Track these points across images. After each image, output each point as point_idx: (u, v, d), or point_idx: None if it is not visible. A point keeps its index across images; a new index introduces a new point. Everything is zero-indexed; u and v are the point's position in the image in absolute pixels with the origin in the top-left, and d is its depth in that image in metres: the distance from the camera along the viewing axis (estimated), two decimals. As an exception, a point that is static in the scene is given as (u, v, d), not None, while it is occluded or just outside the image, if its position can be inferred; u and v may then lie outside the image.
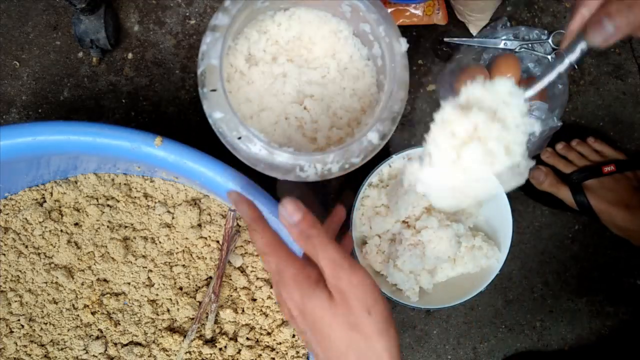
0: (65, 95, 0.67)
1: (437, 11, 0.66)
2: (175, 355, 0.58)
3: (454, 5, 0.67)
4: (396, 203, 0.61)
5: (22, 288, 0.58)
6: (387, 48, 0.54)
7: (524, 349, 0.72)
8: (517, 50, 0.66)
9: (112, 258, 0.59)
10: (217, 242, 0.59)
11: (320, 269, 0.38)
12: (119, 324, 0.59)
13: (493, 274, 0.61)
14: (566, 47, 0.43)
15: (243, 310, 0.59)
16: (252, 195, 0.51)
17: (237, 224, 0.60)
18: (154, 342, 0.59)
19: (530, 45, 0.67)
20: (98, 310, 0.59)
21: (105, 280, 0.59)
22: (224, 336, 0.59)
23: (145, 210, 0.59)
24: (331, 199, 0.68)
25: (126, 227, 0.59)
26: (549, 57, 0.67)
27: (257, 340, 0.59)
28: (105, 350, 0.59)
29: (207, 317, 0.58)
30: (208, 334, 0.58)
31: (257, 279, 0.59)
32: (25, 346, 0.58)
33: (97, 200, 0.59)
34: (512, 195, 0.59)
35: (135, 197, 0.59)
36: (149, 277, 0.59)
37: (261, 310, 0.59)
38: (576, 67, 0.69)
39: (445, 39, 0.68)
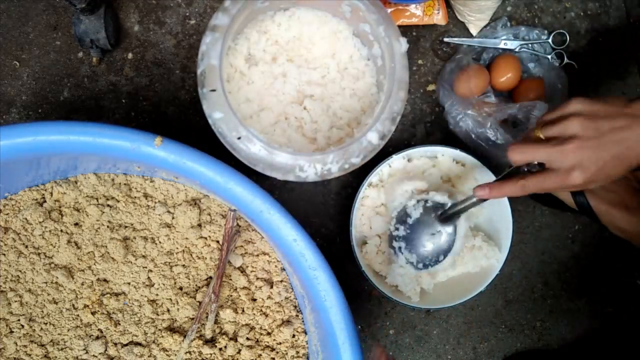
0: (65, 95, 0.67)
1: (437, 11, 0.66)
2: (175, 355, 0.58)
3: (454, 5, 0.67)
4: (392, 201, 0.61)
5: (22, 288, 0.58)
6: (387, 48, 0.54)
7: (524, 349, 0.72)
8: (517, 50, 0.66)
9: (112, 258, 0.59)
10: (217, 242, 0.59)
11: None
12: (119, 324, 0.59)
13: (493, 274, 0.61)
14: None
15: (243, 310, 0.59)
16: (252, 195, 0.51)
17: (237, 224, 0.60)
18: (154, 342, 0.59)
19: (530, 45, 0.67)
20: (98, 310, 0.59)
21: (105, 280, 0.59)
22: (224, 336, 0.59)
23: (145, 210, 0.59)
24: (331, 199, 0.68)
25: (126, 227, 0.59)
26: (549, 57, 0.67)
27: (257, 340, 0.59)
28: (105, 350, 0.59)
29: (207, 317, 0.58)
30: (208, 334, 0.58)
31: (257, 279, 0.59)
32: (25, 346, 0.58)
33: (97, 200, 0.59)
34: (512, 196, 0.59)
35: (135, 197, 0.59)
36: (149, 277, 0.59)
37: (261, 310, 0.59)
38: (576, 66, 0.69)
39: (445, 39, 0.68)
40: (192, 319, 0.59)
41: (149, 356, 0.58)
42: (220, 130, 0.51)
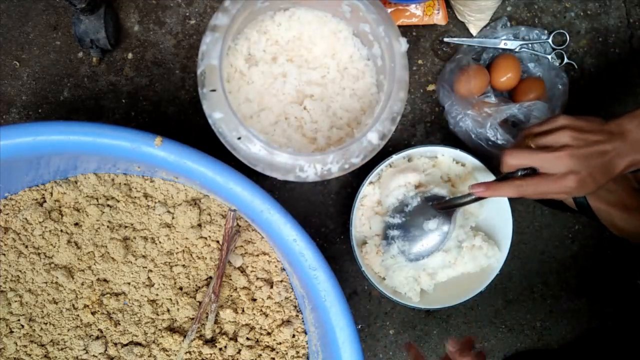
0: (65, 95, 0.67)
1: (437, 11, 0.66)
2: (175, 355, 0.58)
3: (454, 5, 0.67)
4: (387, 196, 0.61)
5: (22, 288, 0.58)
6: (387, 48, 0.54)
7: (524, 349, 0.72)
8: (517, 50, 0.66)
9: (112, 258, 0.59)
10: (217, 242, 0.59)
11: None
12: (119, 324, 0.59)
13: (493, 274, 0.61)
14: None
15: (243, 310, 0.59)
16: (252, 195, 0.51)
17: (237, 224, 0.60)
18: (154, 342, 0.59)
19: (530, 45, 0.67)
20: (98, 310, 0.59)
21: (105, 280, 0.59)
22: (224, 336, 0.59)
23: (145, 210, 0.59)
24: (331, 199, 0.68)
25: (126, 227, 0.59)
26: (549, 57, 0.67)
27: (257, 340, 0.59)
28: (105, 350, 0.59)
29: (207, 317, 0.58)
30: (208, 334, 0.58)
31: (257, 279, 0.59)
32: (25, 346, 0.58)
33: (97, 200, 0.59)
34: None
35: (135, 197, 0.59)
36: (149, 277, 0.59)
37: (261, 310, 0.59)
38: (576, 66, 0.69)
39: (445, 39, 0.68)
40: (192, 319, 0.59)
41: (149, 356, 0.58)
42: (220, 130, 0.51)
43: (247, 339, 0.59)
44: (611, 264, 0.71)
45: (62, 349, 0.59)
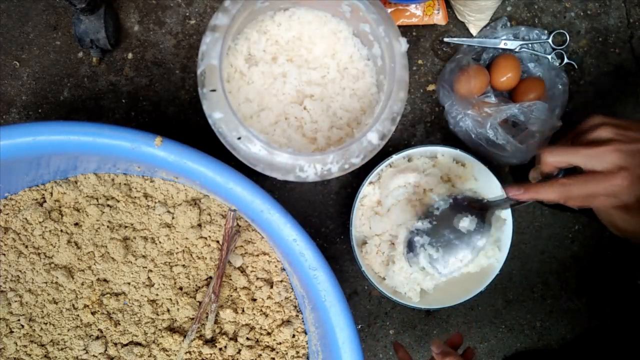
0: (65, 95, 0.67)
1: (437, 11, 0.66)
2: (175, 355, 0.58)
3: (454, 5, 0.67)
4: (387, 196, 0.61)
5: (22, 288, 0.58)
6: (387, 48, 0.54)
7: (524, 349, 0.72)
8: (517, 50, 0.66)
9: (112, 258, 0.59)
10: (217, 242, 0.59)
11: None
12: (119, 324, 0.59)
13: (493, 274, 0.61)
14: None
15: (243, 310, 0.59)
16: (252, 195, 0.51)
17: (237, 224, 0.60)
18: (154, 342, 0.59)
19: (530, 45, 0.67)
20: (98, 310, 0.59)
21: (105, 280, 0.59)
22: (224, 336, 0.59)
23: (145, 210, 0.59)
24: (331, 199, 0.68)
25: (126, 227, 0.59)
26: (549, 57, 0.67)
27: (257, 340, 0.59)
28: (105, 350, 0.59)
29: (207, 317, 0.58)
30: (208, 334, 0.58)
31: (257, 279, 0.59)
32: (25, 346, 0.58)
33: (97, 200, 0.59)
34: (512, 195, 0.59)
35: (135, 197, 0.59)
36: (149, 277, 0.59)
37: (261, 310, 0.59)
38: (576, 66, 0.69)
39: (445, 39, 0.68)
40: (192, 319, 0.59)
41: (149, 356, 0.58)
42: (220, 130, 0.51)
43: (247, 339, 0.59)
44: (611, 264, 0.71)
45: (62, 349, 0.59)
